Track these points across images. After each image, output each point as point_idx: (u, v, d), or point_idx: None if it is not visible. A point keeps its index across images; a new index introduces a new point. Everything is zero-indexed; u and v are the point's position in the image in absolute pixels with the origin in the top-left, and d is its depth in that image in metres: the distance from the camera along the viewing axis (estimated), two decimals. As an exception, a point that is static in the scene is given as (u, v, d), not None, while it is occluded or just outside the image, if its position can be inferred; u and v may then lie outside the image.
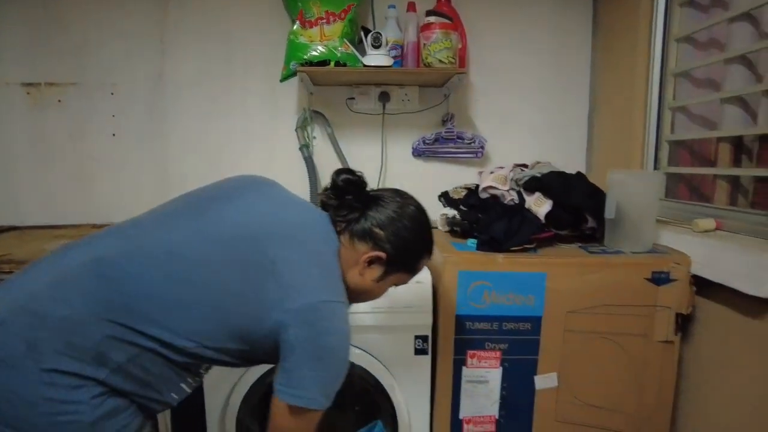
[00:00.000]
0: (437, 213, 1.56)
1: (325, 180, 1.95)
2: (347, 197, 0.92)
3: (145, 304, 0.78)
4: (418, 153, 1.95)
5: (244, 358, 0.87)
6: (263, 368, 1.28)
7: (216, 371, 1.30)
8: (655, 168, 1.70)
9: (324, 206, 0.95)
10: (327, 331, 0.80)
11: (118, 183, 1.95)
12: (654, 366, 1.35)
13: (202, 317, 0.80)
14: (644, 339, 1.34)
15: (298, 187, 1.93)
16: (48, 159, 1.93)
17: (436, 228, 1.64)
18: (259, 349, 0.83)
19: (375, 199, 0.94)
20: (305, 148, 1.90)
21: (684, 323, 1.35)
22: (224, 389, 1.30)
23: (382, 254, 0.90)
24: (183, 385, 0.87)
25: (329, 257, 0.88)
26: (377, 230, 0.90)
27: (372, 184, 1.93)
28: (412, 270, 0.98)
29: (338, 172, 0.94)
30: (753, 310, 1.18)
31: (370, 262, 0.91)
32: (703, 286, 1.31)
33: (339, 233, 0.92)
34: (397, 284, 0.99)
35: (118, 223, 0.89)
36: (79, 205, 1.95)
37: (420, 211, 0.97)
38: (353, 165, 1.93)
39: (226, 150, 1.94)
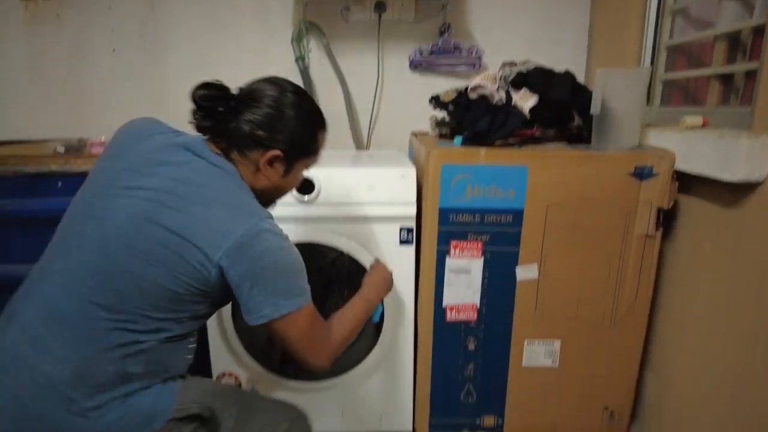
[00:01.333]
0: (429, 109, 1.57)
1: (321, 93, 1.97)
2: (218, 110, 0.88)
3: (117, 315, 0.82)
4: (415, 65, 1.95)
5: (215, 306, 0.93)
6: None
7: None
8: (653, 75, 1.68)
9: (200, 130, 0.91)
10: (261, 256, 0.83)
11: (117, 99, 1.98)
12: (634, 260, 1.39)
13: (163, 305, 0.84)
14: (625, 234, 1.37)
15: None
16: (47, 75, 1.96)
17: (427, 134, 1.67)
18: (218, 295, 0.87)
19: (247, 99, 0.89)
20: (301, 61, 1.91)
21: (665, 219, 1.38)
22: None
23: (277, 152, 0.90)
24: (190, 347, 0.94)
25: (228, 186, 0.87)
26: (261, 132, 0.88)
27: (369, 98, 1.98)
28: (314, 151, 0.98)
29: (194, 90, 0.88)
30: (728, 199, 1.21)
31: (270, 163, 0.91)
32: (684, 182, 1.33)
33: (227, 152, 0.90)
34: (307, 167, 1.00)
35: (40, 261, 0.90)
36: (78, 121, 1.99)
37: (299, 94, 0.93)
38: (349, 78, 1.95)
39: (222, 64, 1.95)
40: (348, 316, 1.03)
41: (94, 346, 0.82)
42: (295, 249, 0.89)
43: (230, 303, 0.91)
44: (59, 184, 1.41)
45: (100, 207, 0.85)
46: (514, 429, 1.53)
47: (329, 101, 1.98)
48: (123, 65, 1.96)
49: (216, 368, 1.46)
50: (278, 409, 1.03)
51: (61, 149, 1.49)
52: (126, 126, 0.96)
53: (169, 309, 0.84)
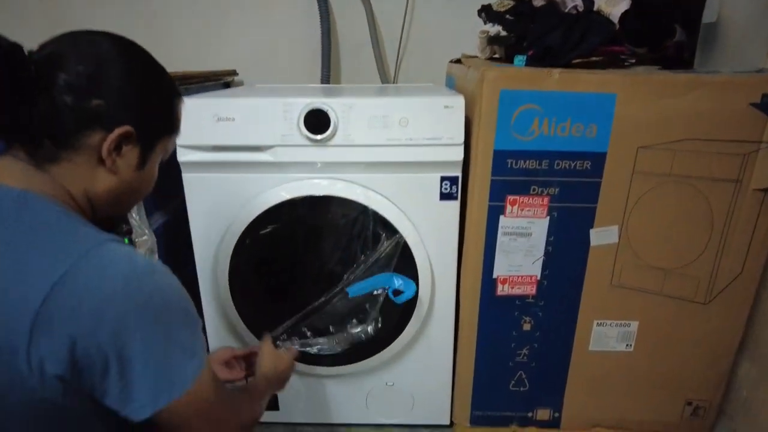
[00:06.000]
0: (475, 34, 1.23)
1: (339, 14, 1.63)
2: (13, 83, 0.53)
3: None
4: (453, -19, 1.58)
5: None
6: (249, 218, 1.07)
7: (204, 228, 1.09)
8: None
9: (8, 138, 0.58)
10: (105, 310, 0.51)
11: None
12: (745, 221, 1.07)
13: None
14: (737, 186, 1.04)
15: (304, 36, 1.62)
16: (18, 21, 1.66)
17: (476, 57, 1.32)
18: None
19: (59, 57, 0.56)
20: (314, -24, 1.56)
21: (794, 167, 1.04)
22: (212, 243, 1.11)
23: (127, 128, 0.59)
24: None
25: (30, 228, 0.54)
26: (96, 101, 0.56)
27: (397, 20, 1.63)
28: (176, 126, 0.68)
29: None
30: None
31: (117, 147, 0.59)
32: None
33: (40, 157, 0.57)
34: (163, 158, 0.69)
35: None
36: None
37: (123, 44, 0.61)
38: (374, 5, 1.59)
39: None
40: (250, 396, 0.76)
41: None
42: (166, 279, 0.58)
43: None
44: None
45: None
46: (573, 424, 1.27)
47: (349, 25, 1.64)
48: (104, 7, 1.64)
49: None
50: None
51: None
52: None
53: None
